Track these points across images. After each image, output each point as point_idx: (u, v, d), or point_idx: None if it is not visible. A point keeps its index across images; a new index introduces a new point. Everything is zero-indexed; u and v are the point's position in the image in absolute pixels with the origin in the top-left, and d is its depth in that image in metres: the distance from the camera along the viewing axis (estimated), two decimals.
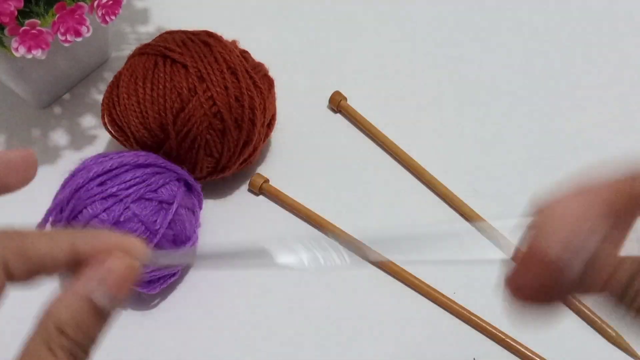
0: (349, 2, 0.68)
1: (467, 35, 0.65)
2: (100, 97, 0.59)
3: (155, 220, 0.45)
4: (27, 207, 0.51)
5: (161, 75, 0.48)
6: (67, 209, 0.44)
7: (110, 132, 0.52)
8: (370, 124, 0.58)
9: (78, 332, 0.24)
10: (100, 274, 0.24)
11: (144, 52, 0.50)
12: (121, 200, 0.44)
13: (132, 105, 0.49)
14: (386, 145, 0.57)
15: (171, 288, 0.50)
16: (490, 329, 0.48)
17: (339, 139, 0.58)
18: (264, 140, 0.53)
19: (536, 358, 0.47)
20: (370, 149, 0.58)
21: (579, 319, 0.49)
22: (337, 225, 0.52)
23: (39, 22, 0.46)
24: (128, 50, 0.62)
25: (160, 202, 0.45)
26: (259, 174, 0.54)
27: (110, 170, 0.45)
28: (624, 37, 0.65)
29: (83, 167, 0.46)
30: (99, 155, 0.48)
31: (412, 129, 0.58)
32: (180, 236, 0.47)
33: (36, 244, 0.25)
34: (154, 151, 0.50)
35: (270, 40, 0.64)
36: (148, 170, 0.46)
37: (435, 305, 0.49)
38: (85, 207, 0.44)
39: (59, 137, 0.58)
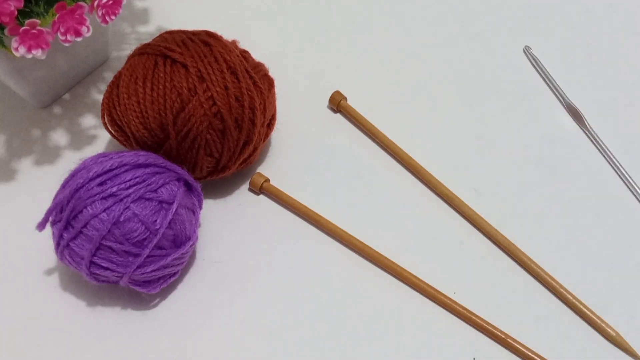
0: (349, 2, 0.68)
1: (467, 35, 0.65)
2: (100, 97, 0.59)
3: (155, 220, 0.45)
4: (27, 207, 0.51)
5: (161, 75, 0.48)
6: (67, 209, 0.44)
7: (110, 132, 0.52)
8: (370, 123, 0.58)
9: None
10: None
11: (144, 52, 0.50)
12: (121, 200, 0.44)
13: (132, 105, 0.49)
14: (386, 145, 0.57)
15: (171, 288, 0.50)
16: (490, 328, 0.48)
17: (339, 138, 0.58)
18: (264, 140, 0.53)
19: (536, 358, 0.47)
20: (370, 148, 0.58)
21: (579, 319, 0.49)
22: (338, 225, 0.52)
23: (39, 22, 0.46)
24: (128, 50, 0.62)
25: (160, 202, 0.45)
26: (259, 173, 0.54)
27: (110, 170, 0.45)
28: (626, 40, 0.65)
29: (83, 167, 0.46)
30: (99, 155, 0.48)
31: (412, 129, 0.58)
32: (180, 236, 0.47)
33: None
34: (154, 151, 0.50)
35: (270, 40, 0.64)
36: (148, 170, 0.46)
37: (435, 305, 0.49)
38: (85, 207, 0.44)
39: (59, 137, 0.58)
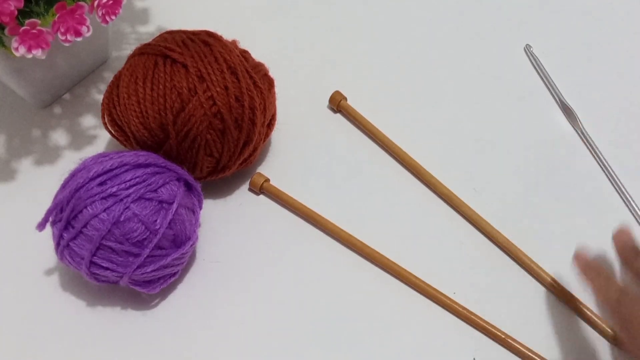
0: (349, 2, 0.68)
1: (467, 36, 0.65)
2: (100, 97, 0.59)
3: (155, 220, 0.45)
4: (27, 207, 0.51)
5: (161, 75, 0.48)
6: (67, 209, 0.44)
7: (110, 132, 0.52)
8: (370, 123, 0.58)
9: None
10: None
11: (144, 52, 0.50)
12: (121, 200, 0.44)
13: (132, 105, 0.49)
14: (386, 145, 0.57)
15: (171, 288, 0.50)
16: (490, 328, 0.48)
17: (339, 138, 0.58)
18: (264, 140, 0.53)
19: (536, 358, 0.47)
20: (370, 148, 0.58)
21: (579, 319, 0.49)
22: (337, 225, 0.52)
23: (39, 21, 0.46)
24: (128, 50, 0.62)
25: (160, 202, 0.45)
26: (259, 173, 0.55)
27: (110, 170, 0.45)
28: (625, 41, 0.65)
29: (83, 167, 0.46)
30: (99, 155, 0.48)
31: (412, 129, 0.58)
32: (180, 236, 0.47)
33: None
34: (154, 151, 0.50)
35: (270, 40, 0.64)
36: (148, 170, 0.46)
37: (435, 305, 0.49)
38: (85, 207, 0.44)
39: (59, 137, 0.58)
